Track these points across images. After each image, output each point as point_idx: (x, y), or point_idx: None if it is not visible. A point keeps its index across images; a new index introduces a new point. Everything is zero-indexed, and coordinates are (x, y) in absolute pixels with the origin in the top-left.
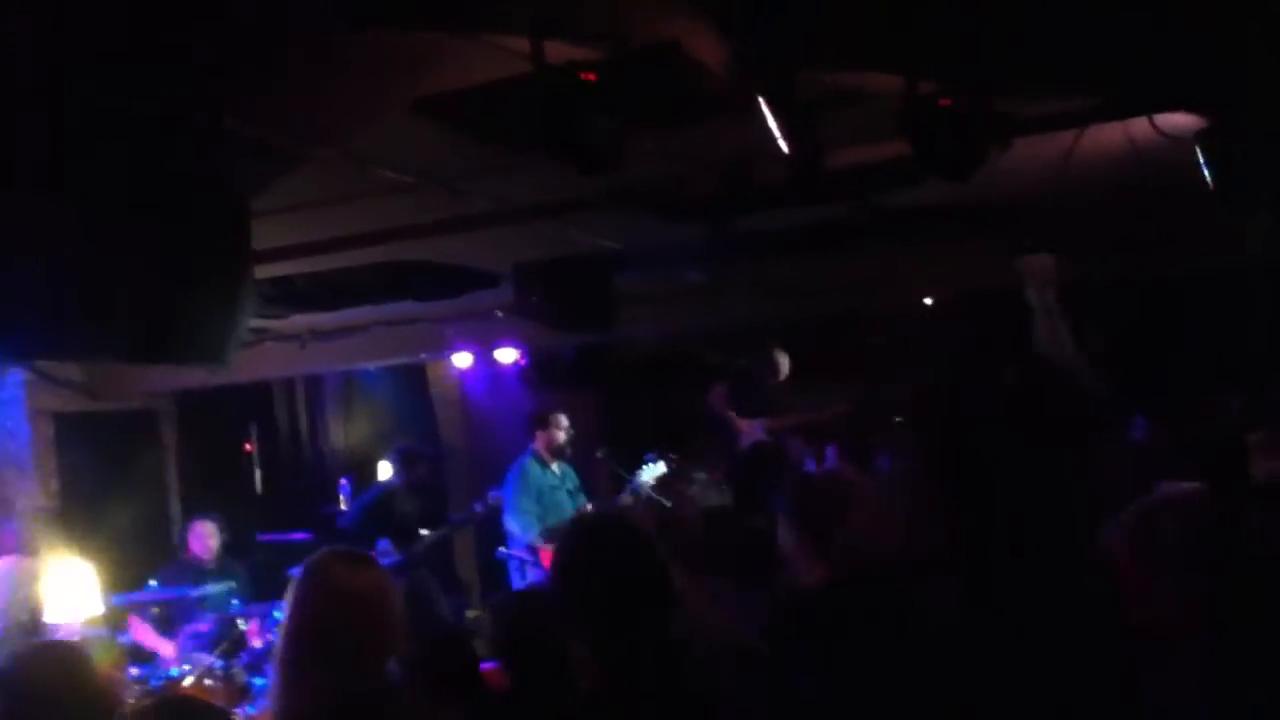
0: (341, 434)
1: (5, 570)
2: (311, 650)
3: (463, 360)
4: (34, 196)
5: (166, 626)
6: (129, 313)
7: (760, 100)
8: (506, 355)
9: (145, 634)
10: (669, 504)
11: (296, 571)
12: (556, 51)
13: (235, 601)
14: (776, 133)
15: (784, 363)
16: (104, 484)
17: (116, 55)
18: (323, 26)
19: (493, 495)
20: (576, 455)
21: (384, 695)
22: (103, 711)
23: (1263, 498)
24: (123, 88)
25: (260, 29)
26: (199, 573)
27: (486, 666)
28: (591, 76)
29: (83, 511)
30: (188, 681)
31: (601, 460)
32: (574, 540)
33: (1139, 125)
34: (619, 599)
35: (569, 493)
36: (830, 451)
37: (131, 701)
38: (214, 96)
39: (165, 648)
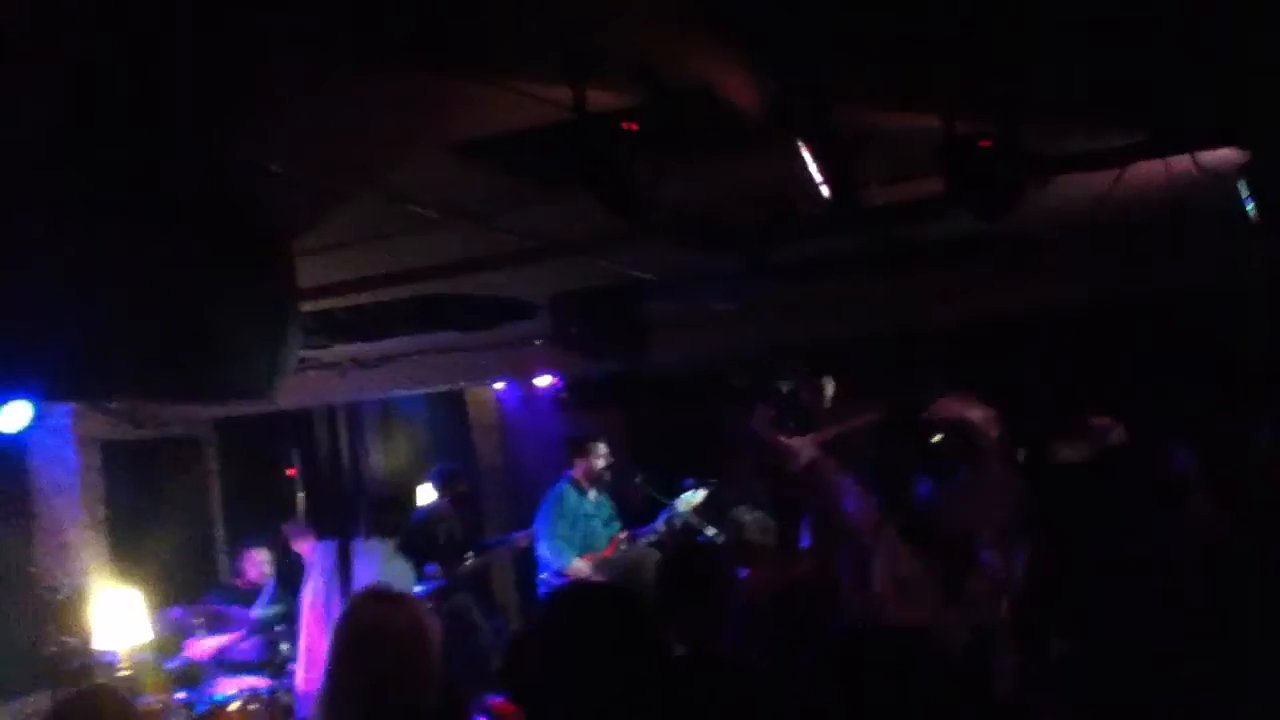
0: (381, 459)
1: None
2: (353, 687)
3: (499, 384)
4: (75, 236)
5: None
6: (172, 351)
7: (798, 141)
8: (543, 380)
9: (202, 645)
10: (711, 531)
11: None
12: (591, 97)
13: (280, 628)
14: (815, 173)
15: (829, 388)
16: (149, 510)
17: (161, 94)
18: (359, 72)
19: (534, 527)
20: (613, 479)
21: None
22: None
23: None
24: (166, 126)
25: (301, 73)
26: (247, 597)
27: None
28: (634, 126)
29: (130, 538)
30: (234, 706)
31: (639, 485)
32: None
33: (1178, 161)
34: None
35: (603, 521)
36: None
37: None
38: (259, 138)
39: (226, 639)
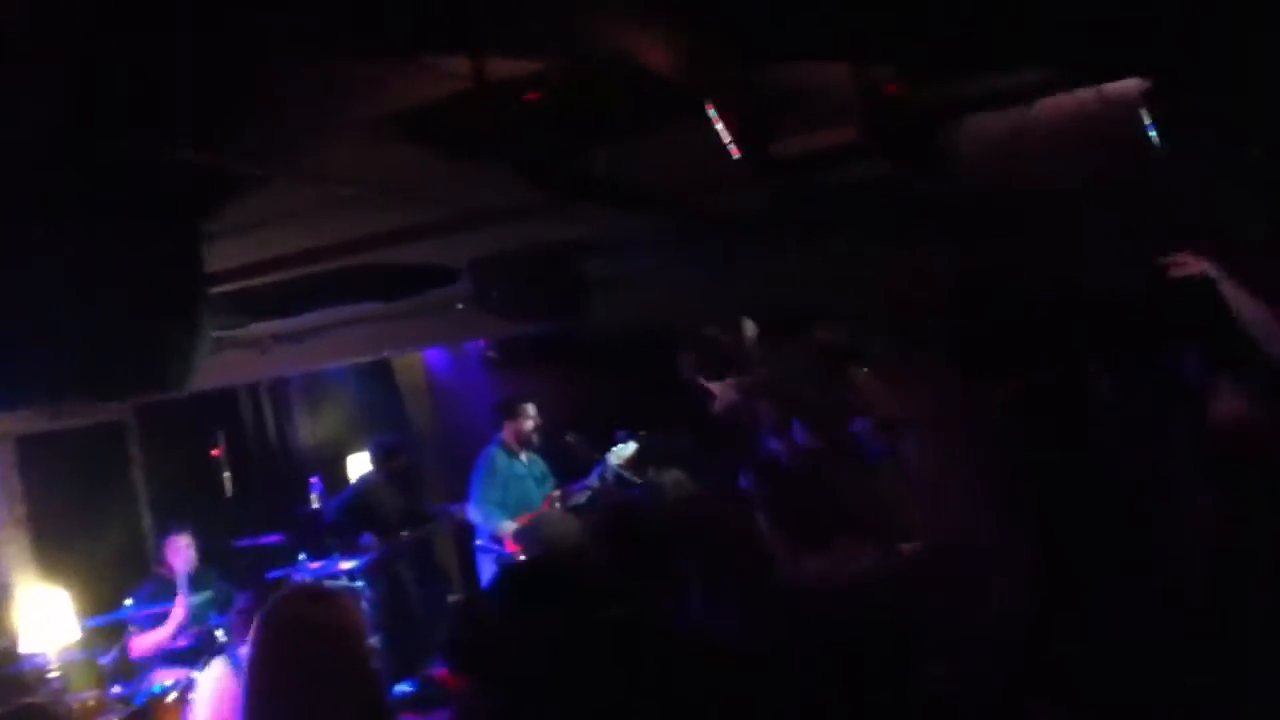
0: (309, 432)
1: None
2: (276, 687)
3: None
4: None
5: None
6: (80, 350)
7: (707, 104)
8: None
9: (142, 640)
10: (639, 482)
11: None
12: (500, 67)
13: (212, 613)
14: (725, 136)
15: (749, 326)
16: (72, 503)
17: (60, 84)
18: (271, 55)
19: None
20: (543, 437)
21: None
22: None
23: None
24: (66, 118)
25: (208, 61)
26: (173, 587)
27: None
28: (534, 96)
29: (53, 534)
30: (171, 697)
31: (571, 444)
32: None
33: (1084, 95)
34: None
35: (536, 480)
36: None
37: None
38: (165, 126)
39: (165, 632)
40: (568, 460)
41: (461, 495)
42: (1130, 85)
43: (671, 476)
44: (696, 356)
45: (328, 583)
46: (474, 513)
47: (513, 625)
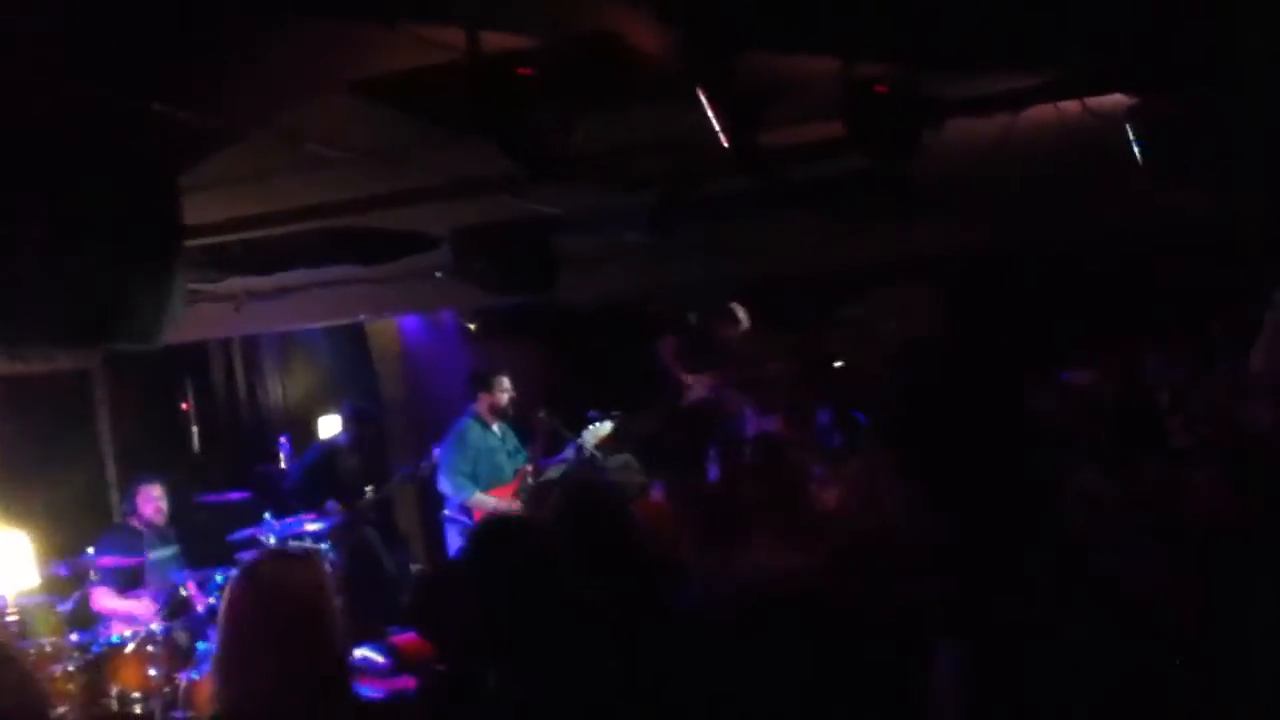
0: (280, 390)
1: None
2: (249, 651)
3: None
4: None
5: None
6: (53, 298)
7: (699, 90)
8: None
9: (108, 598)
10: (614, 463)
11: (237, 536)
12: (492, 40)
13: (173, 568)
14: (715, 122)
15: (743, 315)
16: (35, 449)
17: (39, 37)
18: (252, 13)
19: (435, 454)
20: (517, 411)
21: (322, 690)
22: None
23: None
24: (44, 70)
25: (188, 14)
26: (140, 538)
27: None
28: (528, 71)
29: (14, 478)
30: (130, 648)
31: (543, 420)
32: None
33: (1069, 106)
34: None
35: (508, 453)
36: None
37: None
38: (141, 79)
39: (138, 607)
40: (538, 436)
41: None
42: (1115, 100)
43: (619, 460)
44: (676, 344)
45: (293, 544)
46: (444, 483)
47: (479, 593)
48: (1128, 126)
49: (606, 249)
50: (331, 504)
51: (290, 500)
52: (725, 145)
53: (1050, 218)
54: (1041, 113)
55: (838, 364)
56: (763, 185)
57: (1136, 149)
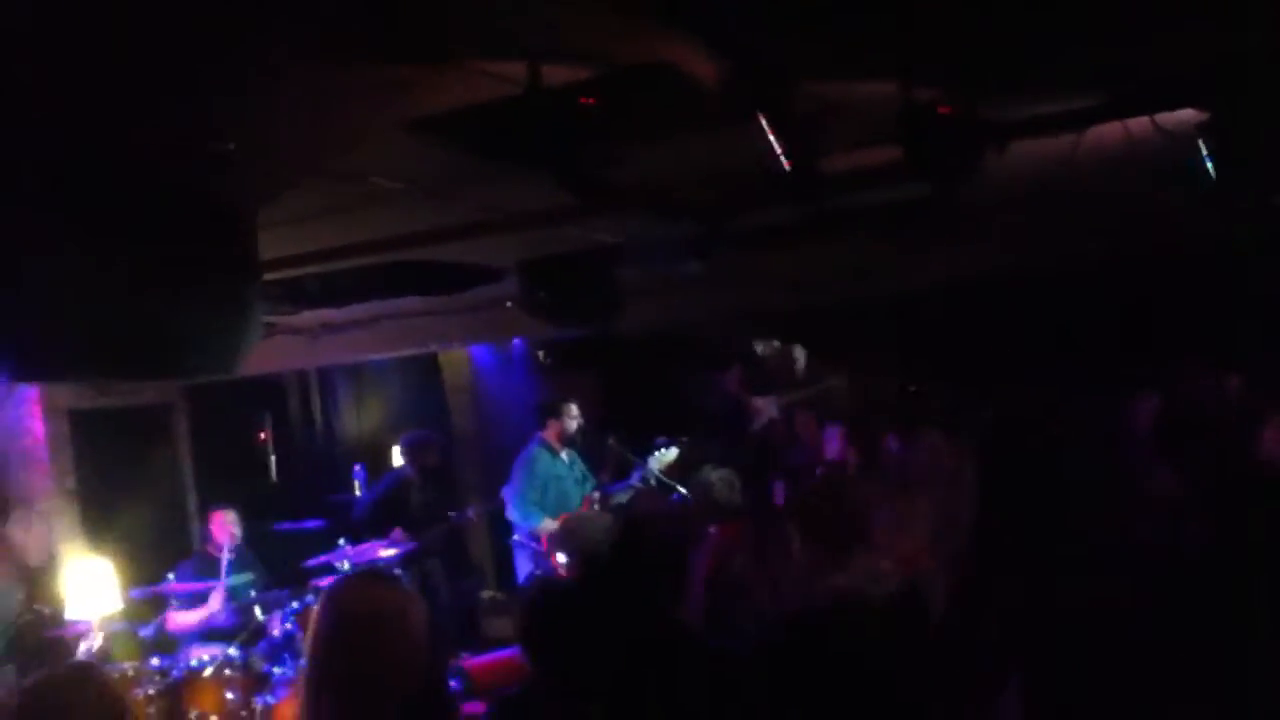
0: (354, 421)
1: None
2: (333, 674)
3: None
4: (35, 214)
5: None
6: (131, 332)
7: (758, 114)
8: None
9: (182, 619)
10: (681, 489)
11: (312, 563)
12: (546, 73)
13: (253, 592)
14: (775, 146)
15: (801, 357)
16: (119, 479)
17: (122, 75)
18: (316, 58)
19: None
20: (585, 439)
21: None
22: None
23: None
24: (126, 108)
25: (257, 57)
26: (215, 564)
27: (510, 652)
28: (591, 101)
29: (99, 507)
30: (208, 673)
31: (612, 447)
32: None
33: (1138, 123)
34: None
35: (576, 480)
36: (833, 433)
37: None
38: (216, 120)
39: (206, 610)
40: (607, 463)
41: (497, 488)
42: (1186, 116)
43: (721, 475)
44: (742, 371)
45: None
46: (514, 511)
47: (585, 621)
48: (1200, 142)
49: (663, 280)
50: (396, 533)
51: (359, 529)
52: (786, 170)
53: (1110, 238)
54: (1103, 133)
55: (912, 388)
56: (814, 212)
57: (1209, 165)
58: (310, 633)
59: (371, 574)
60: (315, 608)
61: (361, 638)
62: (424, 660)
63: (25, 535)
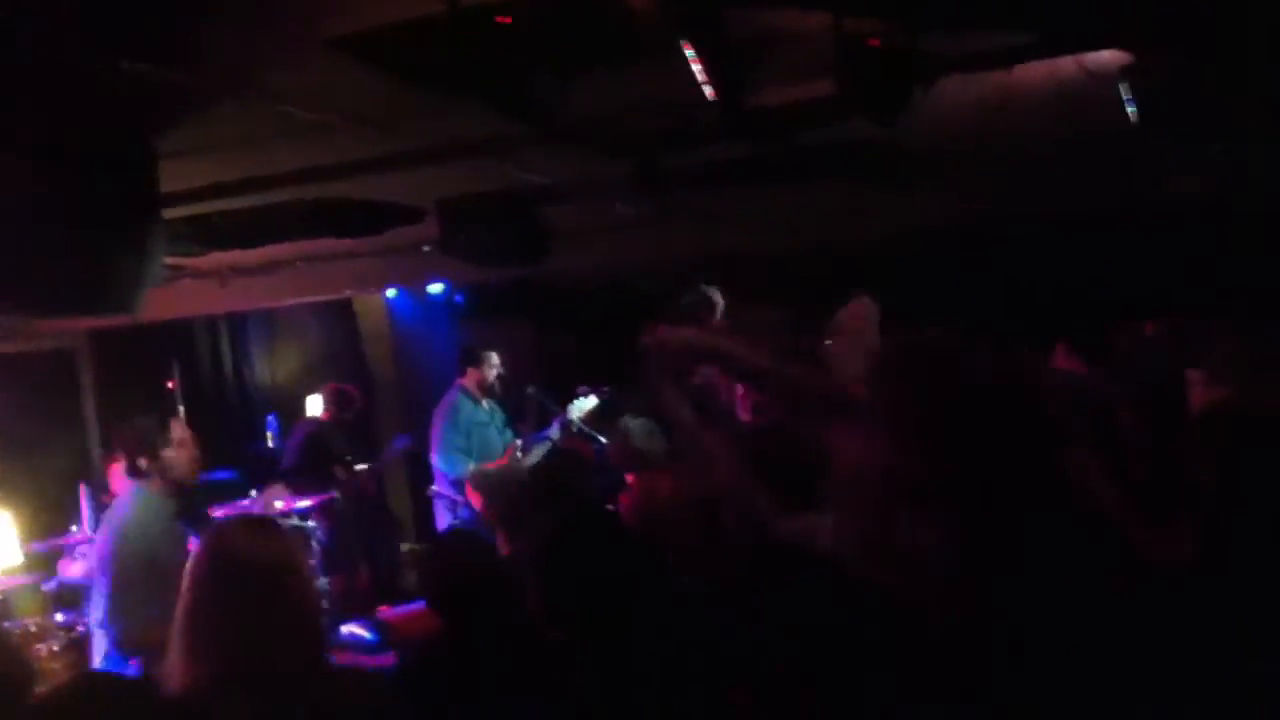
0: (267, 369)
1: None
2: (216, 623)
3: (390, 290)
4: None
5: None
6: (31, 265)
7: (683, 44)
8: (435, 287)
9: (75, 570)
10: (603, 439)
11: (220, 513)
12: None
13: None
14: (700, 77)
15: (718, 298)
16: (20, 428)
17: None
18: None
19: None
20: (505, 388)
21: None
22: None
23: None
24: (15, 32)
25: None
26: None
27: (417, 605)
28: (507, 20)
29: (1, 456)
30: None
31: (532, 396)
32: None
33: (1064, 64)
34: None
35: (497, 429)
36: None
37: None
38: (112, 36)
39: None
40: (527, 413)
41: (418, 438)
42: (1110, 56)
43: (640, 423)
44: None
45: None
46: (438, 459)
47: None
48: (1121, 85)
49: (596, 222)
50: (321, 481)
51: (289, 479)
52: (711, 100)
53: (1052, 188)
54: (1039, 75)
55: (828, 342)
56: (756, 155)
57: (1130, 107)
58: (188, 578)
59: (249, 518)
60: (194, 552)
61: (237, 582)
62: (303, 607)
63: None
